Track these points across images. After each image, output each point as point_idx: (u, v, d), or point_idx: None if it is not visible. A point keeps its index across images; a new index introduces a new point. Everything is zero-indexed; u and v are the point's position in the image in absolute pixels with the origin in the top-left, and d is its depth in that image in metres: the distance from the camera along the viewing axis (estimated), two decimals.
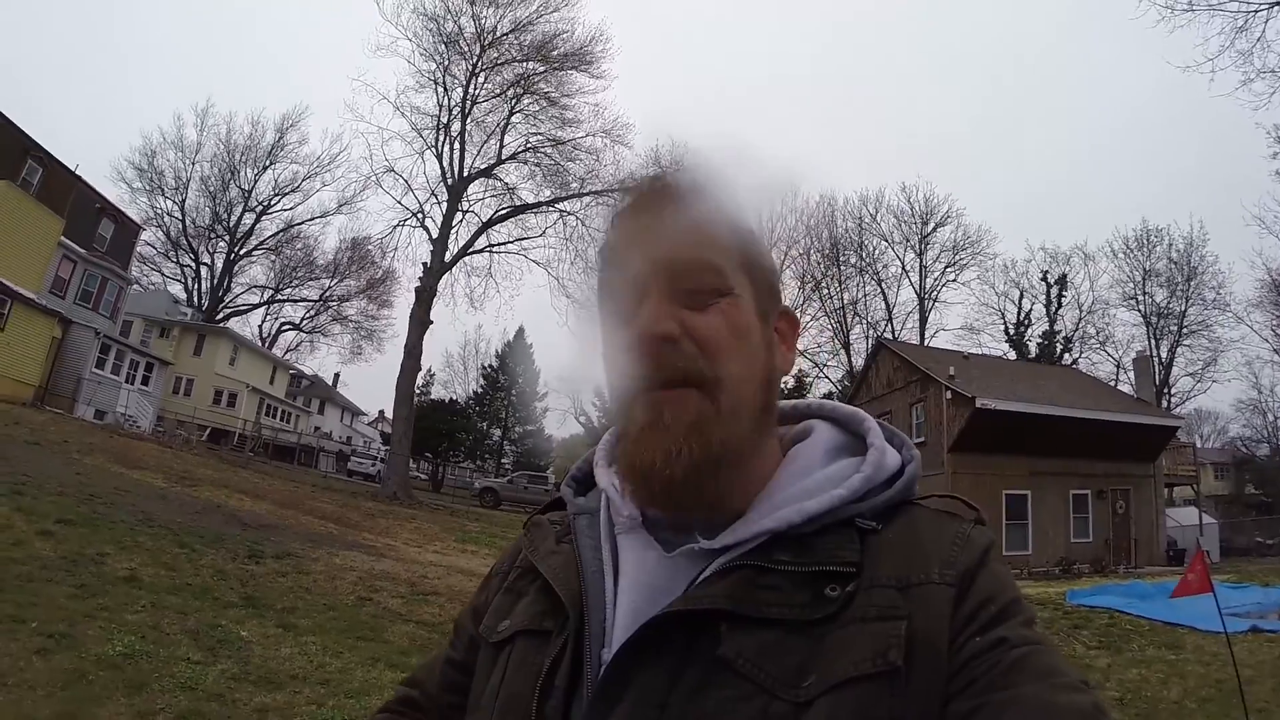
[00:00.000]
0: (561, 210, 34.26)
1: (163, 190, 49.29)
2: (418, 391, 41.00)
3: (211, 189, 49.97)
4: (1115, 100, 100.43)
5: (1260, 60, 18.04)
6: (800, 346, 0.89)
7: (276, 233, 51.66)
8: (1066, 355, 47.44)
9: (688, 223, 0.79)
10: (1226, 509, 41.61)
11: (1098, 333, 48.75)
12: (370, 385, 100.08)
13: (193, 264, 51.04)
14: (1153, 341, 46.32)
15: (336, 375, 63.79)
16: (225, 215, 50.37)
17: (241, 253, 51.09)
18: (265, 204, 50.93)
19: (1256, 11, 17.19)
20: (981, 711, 0.62)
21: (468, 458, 56.60)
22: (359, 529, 17.40)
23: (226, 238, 50.53)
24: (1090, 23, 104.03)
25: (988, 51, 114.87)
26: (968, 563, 0.72)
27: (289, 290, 53.78)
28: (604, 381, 0.83)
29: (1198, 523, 26.75)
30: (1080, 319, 49.01)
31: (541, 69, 35.35)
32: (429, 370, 59.70)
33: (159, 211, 49.29)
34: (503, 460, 59.64)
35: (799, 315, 0.90)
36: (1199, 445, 47.44)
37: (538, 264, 34.53)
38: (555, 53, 35.15)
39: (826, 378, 48.54)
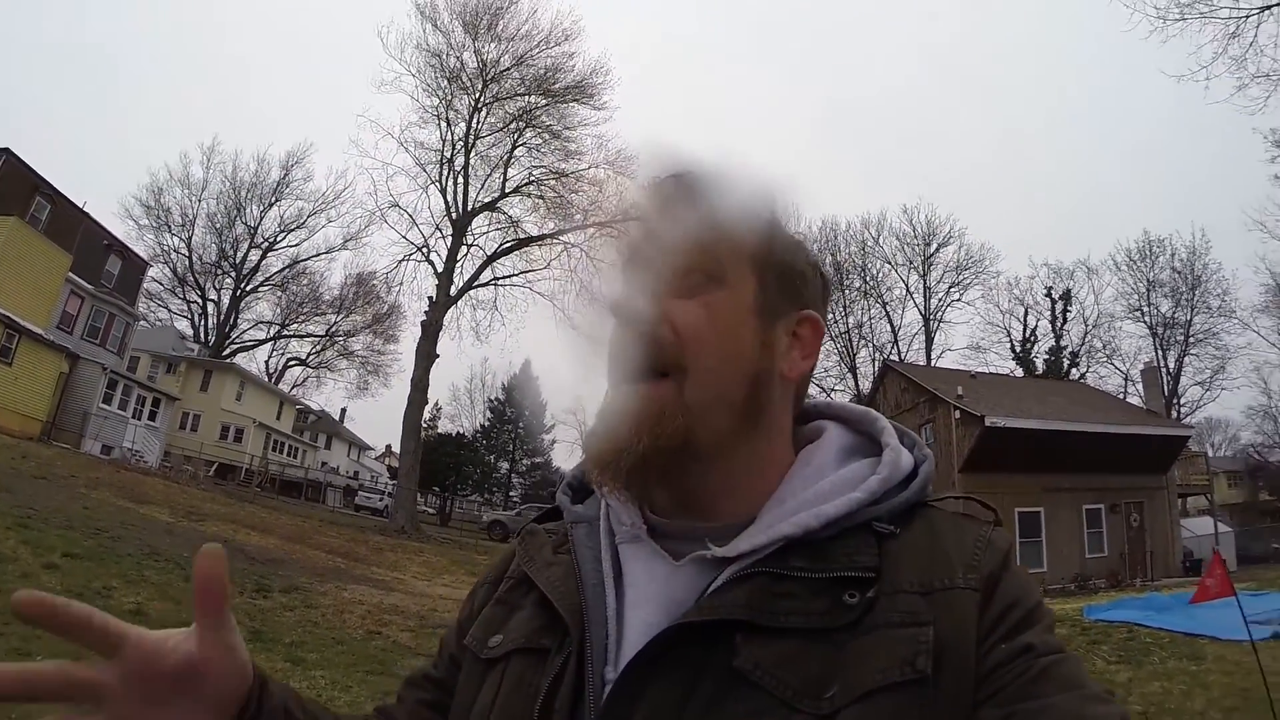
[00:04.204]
0: (566, 242, 34.27)
1: (169, 227, 49.66)
2: (424, 425, 40.99)
3: (218, 226, 50.34)
4: (1110, 113, 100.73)
5: (1254, 65, 18.11)
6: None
7: (282, 269, 51.90)
8: (1074, 370, 47.35)
9: (685, 214, 0.77)
10: (1241, 517, 41.18)
11: (1104, 346, 48.76)
12: (377, 420, 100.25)
13: (199, 300, 51.32)
14: (1159, 352, 46.16)
15: (343, 410, 63.78)
16: (231, 252, 50.69)
17: (247, 289, 51.34)
18: (271, 240, 51.20)
19: (1248, 16, 17.39)
20: None
21: (475, 491, 56.56)
22: (367, 563, 17.37)
23: (232, 274, 50.83)
24: (1082, 39, 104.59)
25: (980, 70, 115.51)
26: (991, 566, 0.70)
27: (295, 326, 53.91)
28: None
29: (1213, 532, 26.59)
30: (1086, 333, 49.05)
31: (543, 102, 35.73)
32: (435, 404, 59.66)
33: (166, 248, 49.65)
34: (510, 493, 59.56)
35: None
36: (1211, 454, 47.24)
37: (543, 296, 34.50)
38: (557, 86, 35.62)
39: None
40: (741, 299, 0.78)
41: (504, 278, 35.73)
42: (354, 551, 18.65)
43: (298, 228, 50.87)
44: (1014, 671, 0.63)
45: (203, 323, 51.19)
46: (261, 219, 50.91)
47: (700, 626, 0.68)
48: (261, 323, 53.51)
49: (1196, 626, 10.59)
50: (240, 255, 50.78)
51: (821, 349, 0.86)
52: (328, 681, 6.84)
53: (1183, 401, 45.92)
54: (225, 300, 51.24)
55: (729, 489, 0.78)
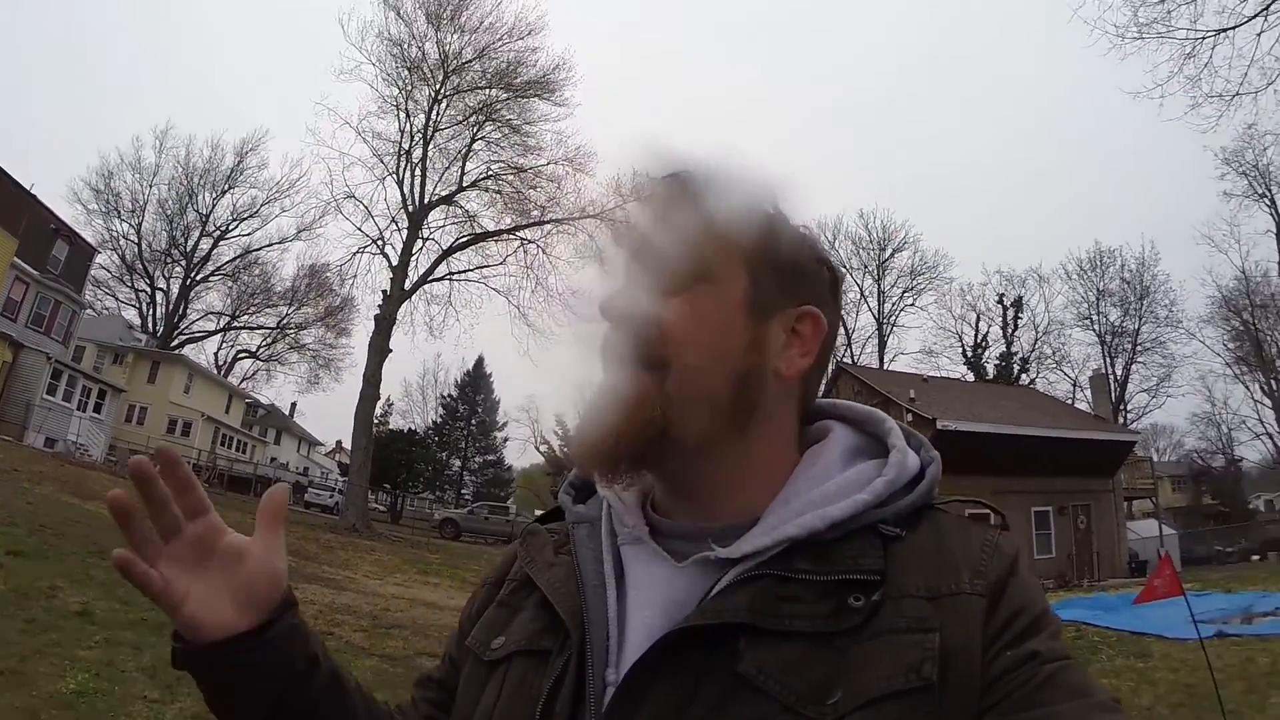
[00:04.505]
0: (522, 238, 34.29)
1: (119, 213, 48.29)
2: (376, 421, 40.58)
3: (169, 212, 49.01)
4: (1067, 125, 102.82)
5: (1208, 85, 18.68)
6: None
7: (234, 258, 50.69)
8: (1024, 376, 48.28)
9: (673, 213, 0.77)
10: (1185, 520, 42.50)
11: (1054, 353, 49.85)
12: (328, 415, 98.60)
13: (148, 289, 50.00)
14: (1108, 360, 47.37)
15: (293, 405, 62.52)
16: (182, 239, 49.41)
17: (198, 278, 50.11)
18: (223, 229, 50.02)
19: (1204, 38, 17.81)
20: None
21: (427, 488, 56.14)
22: (318, 561, 17.14)
23: (183, 262, 49.56)
24: (1041, 53, 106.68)
25: (937, 78, 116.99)
26: (999, 572, 0.70)
27: (246, 317, 52.76)
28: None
29: (1158, 534, 27.28)
30: (1036, 340, 50.07)
31: (504, 96, 35.53)
32: (387, 400, 58.96)
33: (114, 234, 48.22)
34: (462, 491, 59.23)
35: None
36: (1156, 459, 48.36)
37: (498, 292, 34.32)
38: (518, 80, 35.43)
39: None
40: (729, 295, 0.76)
41: (459, 273, 35.55)
42: (304, 550, 18.36)
43: (251, 216, 49.88)
44: (1019, 679, 0.62)
45: (151, 312, 50.02)
46: (214, 206, 49.79)
47: (703, 630, 0.67)
48: (211, 313, 52.41)
49: (1144, 625, 10.85)
50: (191, 243, 49.64)
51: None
52: None
53: (1129, 408, 47.18)
54: (175, 289, 50.08)
55: (725, 488, 0.77)
